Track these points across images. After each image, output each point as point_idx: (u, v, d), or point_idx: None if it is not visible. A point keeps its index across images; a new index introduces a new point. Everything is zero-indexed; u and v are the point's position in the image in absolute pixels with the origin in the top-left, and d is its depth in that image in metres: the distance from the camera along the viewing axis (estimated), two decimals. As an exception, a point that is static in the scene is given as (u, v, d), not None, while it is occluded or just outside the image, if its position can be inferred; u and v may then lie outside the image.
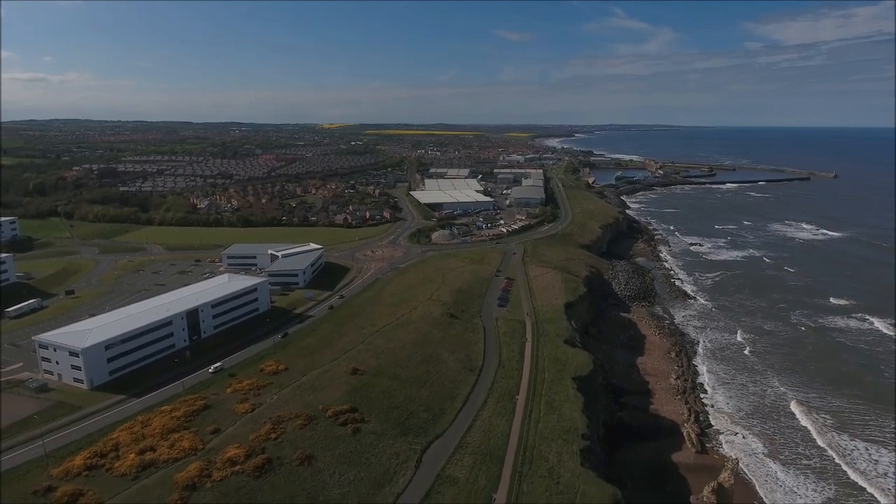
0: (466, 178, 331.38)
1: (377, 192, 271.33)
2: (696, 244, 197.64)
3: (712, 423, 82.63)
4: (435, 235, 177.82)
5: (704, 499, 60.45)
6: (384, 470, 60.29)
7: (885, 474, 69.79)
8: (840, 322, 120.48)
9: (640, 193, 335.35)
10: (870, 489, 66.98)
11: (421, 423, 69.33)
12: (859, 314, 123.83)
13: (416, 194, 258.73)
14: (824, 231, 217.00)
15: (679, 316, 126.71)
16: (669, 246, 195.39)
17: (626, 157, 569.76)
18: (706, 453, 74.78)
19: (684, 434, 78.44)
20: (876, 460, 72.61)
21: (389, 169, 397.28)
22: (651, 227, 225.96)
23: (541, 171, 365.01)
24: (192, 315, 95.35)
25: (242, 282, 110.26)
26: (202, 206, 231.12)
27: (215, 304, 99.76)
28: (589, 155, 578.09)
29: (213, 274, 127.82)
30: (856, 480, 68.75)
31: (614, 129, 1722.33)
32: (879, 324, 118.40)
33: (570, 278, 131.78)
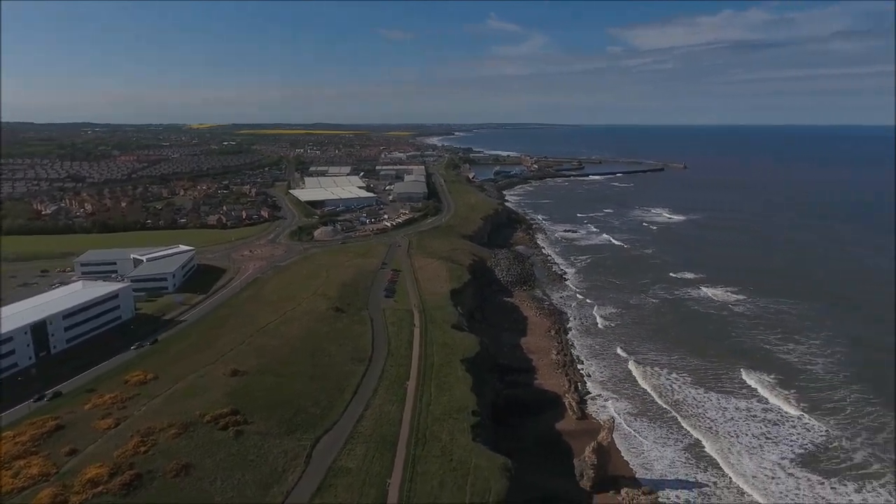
0: (348, 175, 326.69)
1: (254, 191, 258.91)
2: (569, 231, 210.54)
3: (590, 390, 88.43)
4: (317, 232, 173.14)
5: (586, 459, 64.30)
6: (271, 470, 57.35)
7: (733, 419, 78.69)
8: (692, 293, 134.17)
9: (517, 187, 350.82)
10: (719, 432, 74.99)
11: (310, 419, 66.93)
12: (706, 285, 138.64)
13: (297, 192, 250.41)
14: (675, 215, 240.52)
15: (556, 297, 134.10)
16: (545, 234, 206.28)
17: (504, 154, 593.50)
18: (586, 418, 79.76)
19: (566, 403, 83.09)
20: (724, 408, 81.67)
21: (266, 168, 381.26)
22: (528, 218, 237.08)
23: (422, 167, 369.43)
24: (39, 329, 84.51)
25: (100, 289, 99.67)
26: (48, 211, 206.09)
27: (67, 314, 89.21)
28: (469, 152, 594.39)
29: (63, 284, 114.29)
30: (709, 426, 76.63)
31: (492, 128, 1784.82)
32: (721, 291, 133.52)
33: (455, 267, 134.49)
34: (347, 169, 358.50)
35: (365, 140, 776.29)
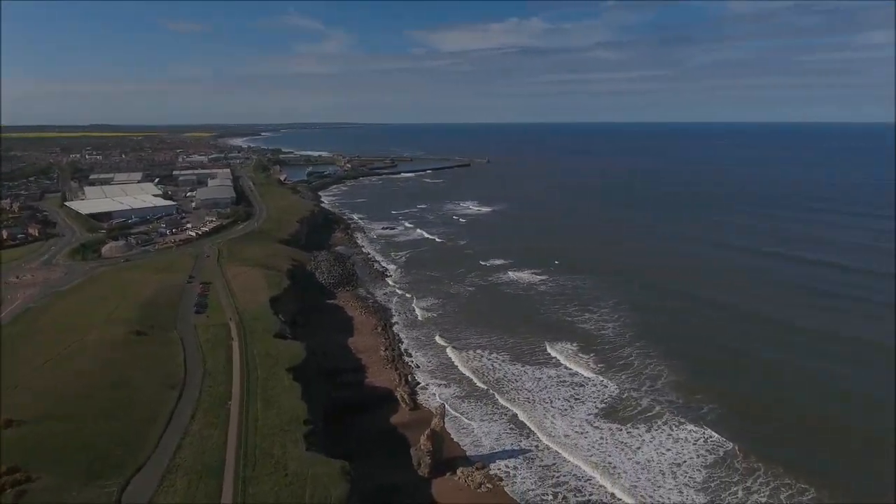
0: (140, 182, 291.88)
1: (16, 205, 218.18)
2: (387, 228, 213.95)
3: (419, 381, 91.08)
4: (106, 248, 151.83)
5: (422, 447, 66.15)
6: (69, 528, 49.20)
7: (546, 387, 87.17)
8: (503, 277, 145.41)
9: (332, 187, 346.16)
10: (536, 400, 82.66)
11: (115, 461, 58.54)
12: (514, 269, 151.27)
13: (75, 204, 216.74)
14: (483, 207, 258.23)
15: (380, 294, 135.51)
16: (364, 233, 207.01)
17: (316, 154, 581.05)
18: (419, 408, 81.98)
19: (398, 397, 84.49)
20: (538, 378, 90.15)
21: (33, 178, 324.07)
22: (346, 218, 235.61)
23: (228, 170, 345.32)
24: None
25: None
26: None
27: None
28: (278, 153, 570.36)
29: None
30: (527, 398, 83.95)
31: (302, 127, 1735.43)
32: (527, 274, 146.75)
33: (273, 273, 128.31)
34: (138, 175, 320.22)
35: (157, 143, 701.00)
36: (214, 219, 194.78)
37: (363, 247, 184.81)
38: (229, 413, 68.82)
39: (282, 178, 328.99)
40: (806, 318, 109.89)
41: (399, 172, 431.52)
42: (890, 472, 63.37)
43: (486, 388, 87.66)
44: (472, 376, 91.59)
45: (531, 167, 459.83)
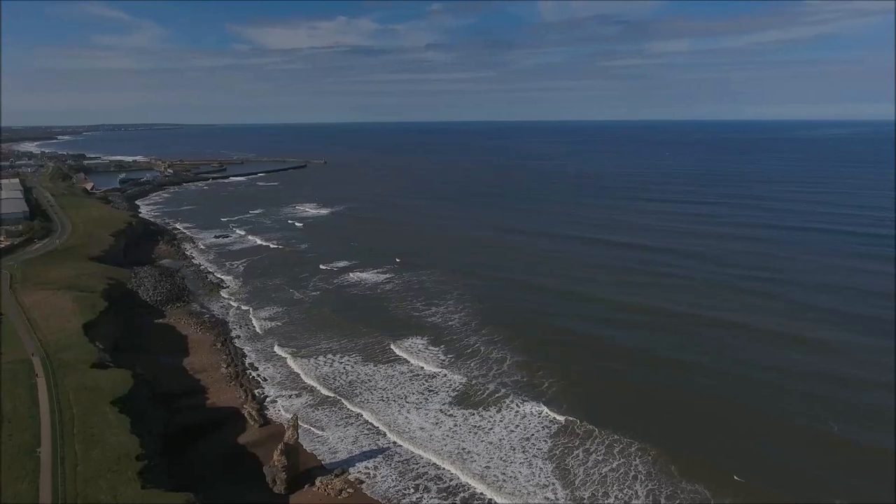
0: None
1: None
2: (219, 237, 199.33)
3: (268, 394, 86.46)
4: None
5: (276, 462, 62.88)
6: None
7: (399, 384, 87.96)
8: (348, 279, 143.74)
9: (152, 195, 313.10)
10: (390, 398, 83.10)
11: None
12: (358, 270, 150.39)
13: None
14: (322, 210, 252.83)
15: (217, 307, 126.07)
16: (194, 242, 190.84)
17: (130, 159, 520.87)
18: (269, 424, 77.78)
19: (245, 414, 79.30)
20: (391, 376, 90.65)
21: None
22: (171, 227, 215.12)
23: (17, 180, 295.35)
24: None
25: None
26: None
27: None
28: (81, 158, 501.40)
29: None
30: (381, 396, 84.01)
31: (108, 130, 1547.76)
32: (371, 274, 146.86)
33: (86, 296, 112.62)
34: None
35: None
36: (3, 238, 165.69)
37: (193, 258, 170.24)
38: (40, 462, 59.14)
39: (88, 187, 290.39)
40: (619, 293, 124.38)
41: (229, 176, 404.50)
42: (690, 419, 74.71)
43: (338, 392, 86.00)
44: (322, 383, 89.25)
45: (371, 167, 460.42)
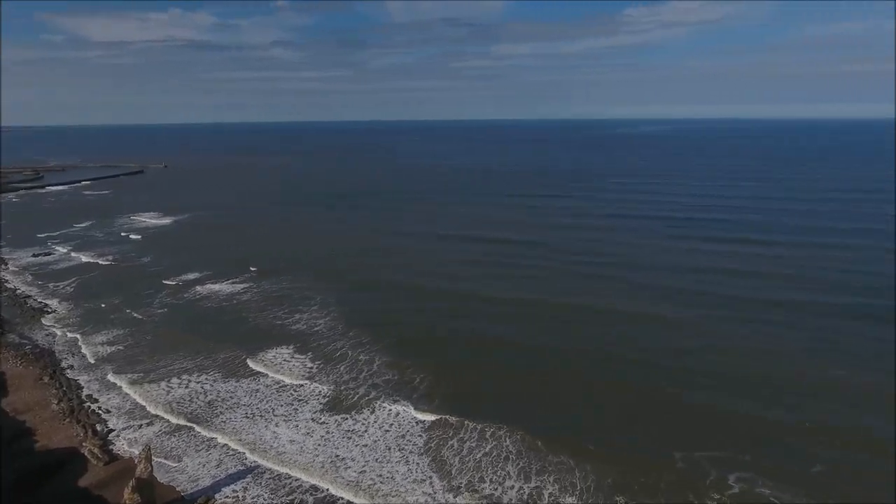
0: None
1: None
2: (40, 255, 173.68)
3: (113, 427, 77.13)
4: None
5: (127, 501, 56.28)
6: None
7: (265, 398, 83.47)
8: (200, 292, 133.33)
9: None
10: (255, 414, 78.66)
11: None
12: (211, 281, 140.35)
13: None
14: (164, 219, 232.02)
15: (41, 336, 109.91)
16: (5, 264, 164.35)
17: None
18: (117, 460, 69.40)
19: (86, 453, 70.01)
20: (256, 390, 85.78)
21: None
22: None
23: None
24: None
25: None
26: None
27: None
28: None
29: None
30: (246, 413, 79.11)
31: None
32: (226, 285, 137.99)
33: None
34: None
35: None
36: None
37: (7, 281, 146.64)
38: None
39: None
40: (481, 287, 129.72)
41: (46, 185, 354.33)
42: (552, 397, 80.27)
43: (195, 415, 79.39)
44: (177, 406, 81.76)
45: (222, 170, 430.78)
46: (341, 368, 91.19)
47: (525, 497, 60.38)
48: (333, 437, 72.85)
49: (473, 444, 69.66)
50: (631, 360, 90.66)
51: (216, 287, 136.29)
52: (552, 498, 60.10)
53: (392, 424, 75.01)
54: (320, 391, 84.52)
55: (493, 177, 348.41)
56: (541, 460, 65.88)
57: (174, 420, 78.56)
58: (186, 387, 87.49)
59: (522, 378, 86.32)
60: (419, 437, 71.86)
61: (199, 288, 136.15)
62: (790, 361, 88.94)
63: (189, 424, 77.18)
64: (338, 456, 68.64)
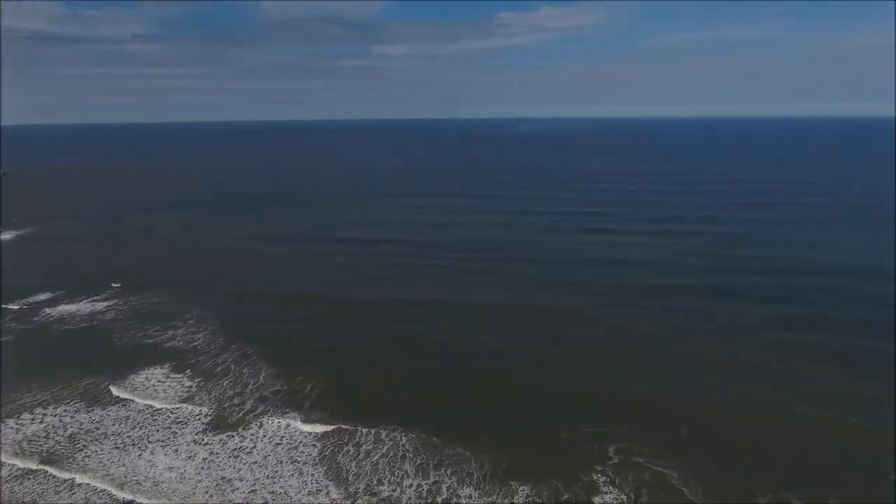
0: None
1: None
2: None
3: (-53, 477, 66.39)
4: None
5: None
6: None
7: (138, 423, 76.51)
8: (52, 314, 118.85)
9: None
10: (127, 443, 71.74)
11: None
12: (66, 301, 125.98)
13: None
14: (4, 234, 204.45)
15: None
16: None
17: None
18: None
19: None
20: (126, 417, 78.25)
21: None
22: None
23: None
24: None
25: None
26: None
27: None
28: None
29: None
30: (117, 444, 71.96)
31: None
32: (85, 304, 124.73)
33: None
34: None
35: None
36: None
37: None
38: None
39: None
40: (371, 289, 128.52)
41: None
42: (447, 393, 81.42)
43: (53, 453, 70.60)
44: (29, 445, 72.17)
45: (77, 177, 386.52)
46: (224, 384, 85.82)
47: (424, 493, 60.60)
48: (218, 457, 68.28)
49: (370, 447, 68.71)
50: (518, 351, 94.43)
51: (72, 308, 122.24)
52: (451, 490, 60.89)
53: (283, 437, 71.86)
54: (201, 411, 78.88)
55: (378, 177, 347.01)
56: (438, 455, 66.48)
57: (27, 460, 69.22)
58: (41, 421, 77.57)
59: (415, 377, 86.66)
60: (313, 447, 69.52)
61: (50, 310, 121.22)
62: (664, 340, 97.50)
63: (47, 464, 68.38)
64: (224, 478, 64.38)
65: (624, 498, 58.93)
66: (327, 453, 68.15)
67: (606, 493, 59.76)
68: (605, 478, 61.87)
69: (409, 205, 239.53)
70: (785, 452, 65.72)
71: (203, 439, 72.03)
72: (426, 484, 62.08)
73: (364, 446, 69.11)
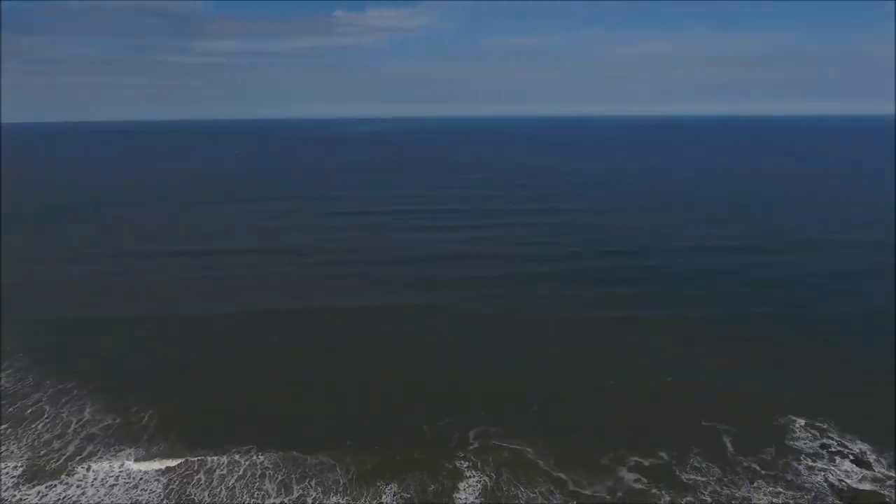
0: None
1: None
2: None
3: None
4: None
5: None
6: None
7: (-76, 488, 62.87)
8: None
9: None
10: None
11: None
12: None
13: None
14: None
15: None
16: None
17: None
18: None
19: None
20: None
21: None
22: None
23: None
24: None
25: None
26: None
27: None
28: None
29: None
30: None
31: None
32: None
33: None
34: None
35: None
36: None
37: None
38: None
39: None
40: (207, 305, 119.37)
41: None
42: (302, 401, 78.62)
43: None
44: None
45: None
46: (39, 427, 73.93)
47: (288, 510, 57.85)
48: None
49: (224, 472, 63.86)
50: (372, 352, 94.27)
51: None
52: (317, 501, 58.99)
53: (118, 477, 63.89)
54: (8, 465, 67.07)
55: (209, 182, 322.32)
56: (300, 468, 63.93)
57: None
58: None
59: (265, 392, 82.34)
60: (156, 483, 62.78)
61: None
62: (514, 325, 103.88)
63: None
64: (46, 535, 55.51)
65: (486, 479, 61.75)
66: (175, 486, 61.94)
67: (470, 477, 62.13)
68: (468, 463, 64.28)
69: (246, 210, 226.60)
70: (620, 415, 73.82)
71: (14, 496, 61.28)
72: (290, 500, 59.33)
73: (217, 472, 63.99)
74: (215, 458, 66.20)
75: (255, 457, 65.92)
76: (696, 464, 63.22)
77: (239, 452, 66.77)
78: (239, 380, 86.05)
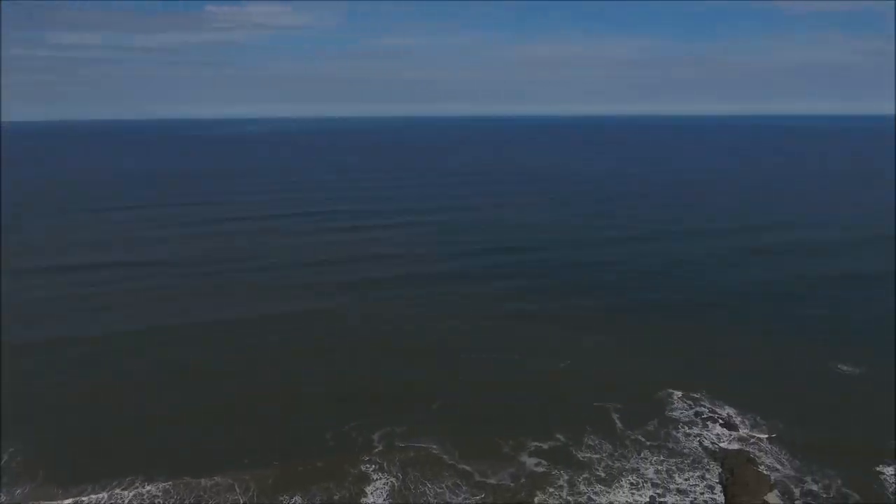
0: None
1: None
2: None
3: None
4: None
5: None
6: None
7: None
8: None
9: None
10: None
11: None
12: None
13: None
14: None
15: None
16: None
17: None
18: None
19: None
20: None
21: None
22: None
23: None
24: None
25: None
26: None
27: None
28: None
29: None
30: None
31: None
32: None
33: None
34: None
35: None
36: None
37: None
38: None
39: None
40: (91, 325, 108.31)
41: None
42: (195, 431, 73.46)
43: None
44: None
45: None
46: None
47: (182, 540, 53.76)
48: None
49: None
50: (269, 365, 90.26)
51: None
52: (215, 528, 55.28)
53: (-26, 529, 55.92)
54: None
55: (74, 188, 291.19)
56: (194, 493, 59.80)
57: None
58: None
59: (151, 417, 75.98)
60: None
61: None
62: (413, 326, 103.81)
63: None
64: None
65: (393, 480, 61.38)
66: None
67: (377, 479, 61.42)
68: (373, 466, 63.51)
69: (122, 219, 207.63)
70: (520, 404, 76.56)
71: None
72: (184, 530, 55.19)
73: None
74: (93, 495, 59.96)
75: (142, 488, 60.56)
76: (590, 442, 67.16)
77: (123, 485, 61.00)
78: (118, 405, 78.41)
